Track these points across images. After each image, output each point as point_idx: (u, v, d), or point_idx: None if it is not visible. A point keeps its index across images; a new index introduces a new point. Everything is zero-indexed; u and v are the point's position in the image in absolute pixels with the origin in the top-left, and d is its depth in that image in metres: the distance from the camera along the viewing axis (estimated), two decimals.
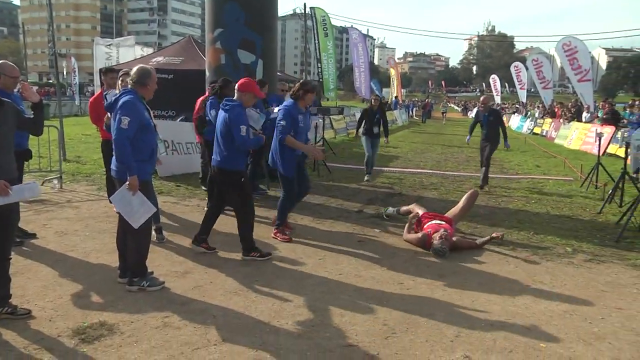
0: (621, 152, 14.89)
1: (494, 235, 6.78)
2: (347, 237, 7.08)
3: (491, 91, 61.37)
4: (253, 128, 6.19)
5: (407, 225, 7.10)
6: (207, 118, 8.04)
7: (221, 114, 5.95)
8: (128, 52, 24.56)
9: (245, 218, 6.05)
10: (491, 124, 10.92)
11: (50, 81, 76.06)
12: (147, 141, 5.03)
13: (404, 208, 8.00)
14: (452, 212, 7.42)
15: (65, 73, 52.44)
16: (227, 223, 7.63)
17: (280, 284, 5.30)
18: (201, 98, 8.83)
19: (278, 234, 6.94)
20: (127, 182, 4.87)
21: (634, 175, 11.16)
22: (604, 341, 4.25)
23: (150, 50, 26.39)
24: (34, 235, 6.63)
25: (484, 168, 11.03)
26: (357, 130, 12.40)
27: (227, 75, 10.27)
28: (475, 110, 61.35)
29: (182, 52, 16.66)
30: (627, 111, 21.18)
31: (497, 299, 5.07)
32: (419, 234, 6.78)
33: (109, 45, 25.13)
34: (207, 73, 10.94)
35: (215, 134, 6.12)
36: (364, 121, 11.98)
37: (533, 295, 5.19)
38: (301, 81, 7.73)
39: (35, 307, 4.53)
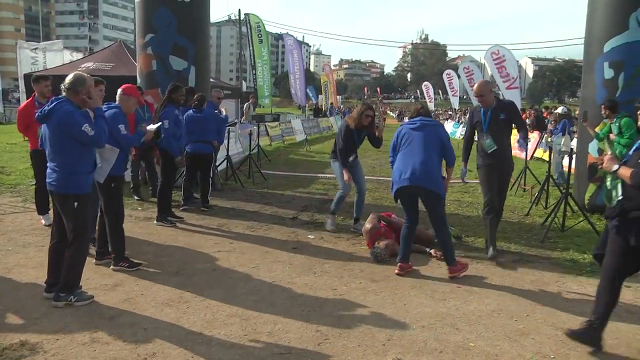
0: (546, 156, 15.56)
1: (431, 252, 6.83)
2: (281, 244, 7.09)
3: (424, 98, 62.82)
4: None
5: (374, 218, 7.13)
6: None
7: None
8: (56, 56, 23.62)
9: (114, 226, 5.89)
10: (500, 126, 6.53)
11: None
12: (92, 153, 4.94)
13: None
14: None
15: None
16: (160, 233, 7.51)
17: (212, 293, 5.24)
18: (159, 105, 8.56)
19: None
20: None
21: (557, 179, 11.74)
22: (527, 337, 4.43)
23: (80, 55, 25.52)
24: None
25: (488, 218, 6.62)
26: (343, 158, 7.64)
27: (158, 82, 10.15)
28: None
29: (112, 58, 16.25)
30: (549, 117, 22.19)
31: (428, 301, 5.19)
32: (373, 222, 6.98)
33: (35, 49, 24.02)
34: (139, 79, 10.74)
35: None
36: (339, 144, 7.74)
37: (463, 296, 5.35)
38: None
39: None
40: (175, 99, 8.01)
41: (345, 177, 7.53)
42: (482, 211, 6.85)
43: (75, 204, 4.76)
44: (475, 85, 6.64)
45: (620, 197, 3.99)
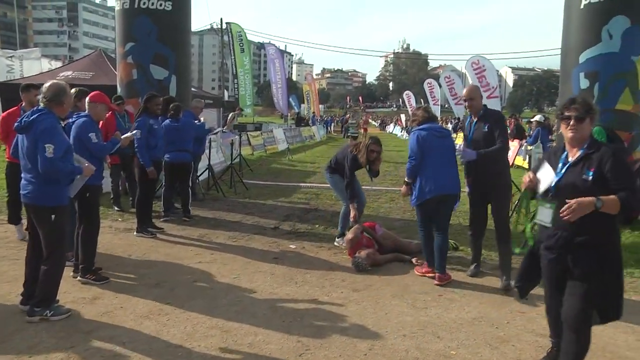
0: (526, 164, 15.73)
1: (413, 261, 6.84)
2: (262, 254, 7.06)
3: (406, 107, 63.17)
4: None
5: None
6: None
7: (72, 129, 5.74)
8: (33, 65, 23.33)
9: (87, 236, 5.81)
10: (485, 138, 5.88)
11: None
12: (70, 164, 4.84)
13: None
14: (387, 234, 7.50)
15: None
16: (140, 245, 7.44)
17: (193, 304, 5.20)
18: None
19: None
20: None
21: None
22: (508, 344, 4.46)
23: (58, 64, 25.27)
24: None
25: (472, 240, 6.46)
26: (351, 192, 7.33)
27: (139, 91, 10.09)
28: (393, 125, 62.77)
29: (92, 67, 16.17)
30: (528, 126, 22.46)
31: (409, 310, 5.20)
32: (355, 232, 6.97)
33: (11, 57, 23.61)
34: (119, 88, 10.68)
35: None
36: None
37: (444, 304, 5.36)
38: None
39: None
40: (150, 108, 7.98)
41: (352, 214, 7.18)
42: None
43: (52, 216, 4.69)
44: (466, 89, 6.17)
45: (549, 225, 3.56)
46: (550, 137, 13.83)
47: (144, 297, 5.38)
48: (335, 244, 7.67)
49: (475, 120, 5.99)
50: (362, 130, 30.56)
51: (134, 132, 6.92)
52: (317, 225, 8.71)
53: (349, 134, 25.85)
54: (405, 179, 6.22)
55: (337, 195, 7.88)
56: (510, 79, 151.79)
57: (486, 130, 5.84)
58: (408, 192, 6.23)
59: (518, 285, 4.04)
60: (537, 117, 14.20)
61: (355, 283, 6.00)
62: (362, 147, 7.35)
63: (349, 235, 7.02)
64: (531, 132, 17.48)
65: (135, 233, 7.91)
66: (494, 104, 25.92)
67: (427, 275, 6.20)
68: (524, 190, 3.73)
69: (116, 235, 7.89)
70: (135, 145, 7.49)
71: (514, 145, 19.07)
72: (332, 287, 5.83)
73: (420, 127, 6.14)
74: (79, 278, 5.78)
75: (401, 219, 9.64)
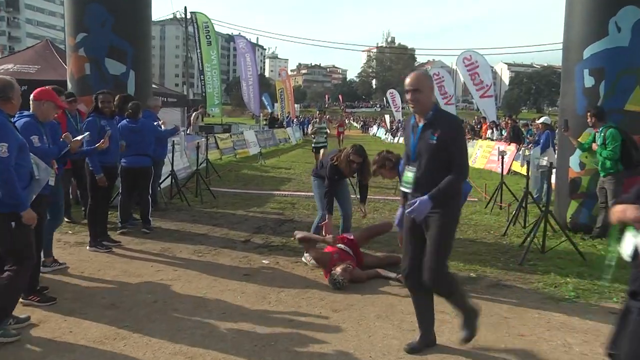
0: (524, 171, 15.89)
1: (399, 277, 6.84)
2: (232, 271, 7.02)
3: (390, 107, 63.47)
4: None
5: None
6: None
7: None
8: None
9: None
10: (431, 153, 4.57)
11: None
12: (24, 165, 4.78)
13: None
14: (357, 234, 7.64)
15: None
16: (94, 260, 7.36)
17: (153, 328, 5.14)
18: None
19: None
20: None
21: (536, 195, 11.96)
22: None
23: None
24: None
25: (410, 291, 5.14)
26: (329, 202, 7.46)
27: (93, 88, 9.98)
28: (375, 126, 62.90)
29: (38, 59, 15.93)
30: (531, 128, 22.65)
31: (395, 332, 5.20)
32: (322, 252, 6.95)
33: None
34: (70, 85, 10.56)
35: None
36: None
37: (435, 326, 5.36)
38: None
39: None
40: (101, 107, 7.90)
41: (326, 229, 7.28)
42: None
43: (13, 223, 4.63)
44: (410, 76, 4.61)
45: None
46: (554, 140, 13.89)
47: (97, 319, 5.30)
48: (303, 259, 7.56)
49: (421, 124, 4.55)
50: (337, 135, 29.70)
51: (85, 134, 6.82)
52: (292, 238, 8.68)
53: (314, 145, 18.62)
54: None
55: (317, 202, 7.92)
56: (506, 76, 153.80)
57: (434, 142, 4.39)
58: None
59: (611, 353, 3.08)
60: (544, 119, 14.07)
61: (335, 302, 5.98)
62: (343, 157, 7.37)
63: (312, 254, 6.99)
64: (534, 136, 17.50)
65: (87, 247, 7.82)
66: (488, 104, 26.29)
67: None
68: (618, 223, 3.08)
69: (66, 249, 7.79)
70: (84, 148, 7.38)
71: (510, 149, 19.28)
72: (309, 307, 5.81)
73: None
74: (20, 300, 5.66)
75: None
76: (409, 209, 4.41)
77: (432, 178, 4.41)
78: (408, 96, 4.53)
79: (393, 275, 6.90)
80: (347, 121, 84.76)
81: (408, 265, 4.70)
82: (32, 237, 4.93)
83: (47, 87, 5.97)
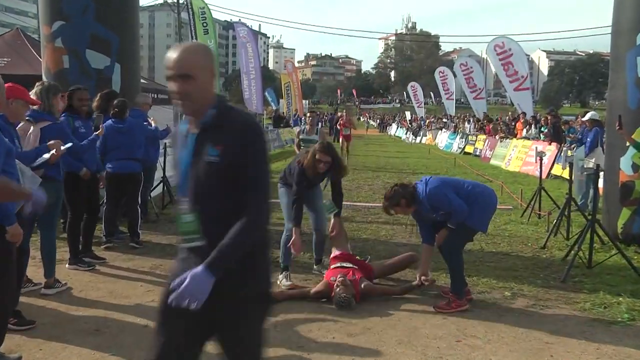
0: (567, 174, 15.80)
1: (422, 280, 6.79)
2: None
3: (412, 102, 63.43)
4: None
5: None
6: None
7: None
8: None
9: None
10: (210, 183, 3.08)
11: None
12: (12, 172, 4.78)
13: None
14: (378, 263, 7.66)
15: None
16: (74, 280, 7.37)
17: (143, 357, 5.12)
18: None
19: None
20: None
21: (580, 202, 11.86)
22: None
23: None
24: None
25: None
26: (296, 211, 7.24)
27: (72, 83, 9.96)
28: (395, 125, 62.90)
29: (8, 50, 15.99)
30: (573, 125, 22.45)
31: None
32: (321, 285, 6.86)
33: None
34: (45, 79, 10.58)
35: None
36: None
37: (464, 353, 5.33)
38: None
39: None
40: (73, 105, 7.87)
41: (294, 248, 7.12)
42: None
43: None
44: (171, 52, 3.01)
45: None
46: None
47: (80, 345, 5.32)
48: (278, 282, 7.33)
49: (194, 132, 3.04)
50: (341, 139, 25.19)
51: (67, 145, 6.72)
52: (302, 253, 8.66)
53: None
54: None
55: (284, 212, 7.78)
56: (544, 66, 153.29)
57: (215, 160, 2.92)
58: None
59: None
60: (590, 114, 13.81)
61: (350, 326, 5.96)
62: (309, 156, 7.20)
63: (319, 288, 6.90)
64: (577, 133, 17.28)
65: (67, 265, 7.82)
66: (524, 98, 26.22)
67: (460, 309, 6.39)
68: None
69: (41, 267, 7.76)
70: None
71: (550, 149, 19.17)
72: (321, 332, 5.79)
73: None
74: None
75: (407, 243, 9.62)
76: (172, 296, 2.78)
77: (218, 222, 2.91)
78: (172, 87, 2.98)
79: (414, 283, 6.88)
80: (361, 119, 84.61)
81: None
82: (12, 261, 4.88)
83: (15, 84, 5.94)
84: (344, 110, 22.68)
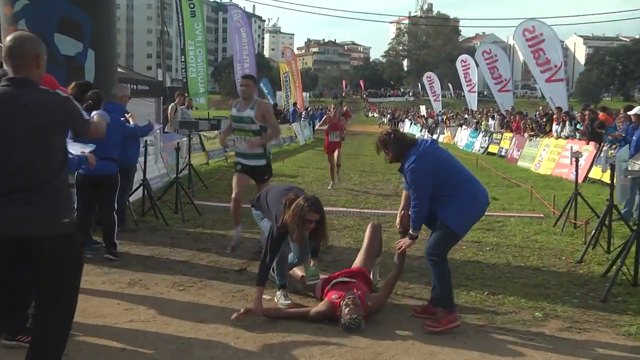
0: (607, 178, 15.76)
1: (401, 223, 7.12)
2: (223, 309, 7.00)
3: (427, 95, 63.42)
4: None
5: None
6: None
7: None
8: None
9: None
10: None
11: None
12: None
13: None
14: (359, 261, 7.71)
15: None
16: None
17: None
18: None
19: None
20: None
21: (624, 210, 11.81)
22: None
23: None
24: None
25: None
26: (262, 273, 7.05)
27: None
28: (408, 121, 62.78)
29: None
30: (618, 122, 22.26)
31: None
32: (322, 305, 6.86)
33: None
34: (5, 67, 10.57)
35: None
36: None
37: None
38: None
39: None
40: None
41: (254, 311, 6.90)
42: None
43: None
44: None
45: None
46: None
47: None
48: (276, 299, 7.40)
49: None
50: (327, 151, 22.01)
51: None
52: (286, 288, 8.65)
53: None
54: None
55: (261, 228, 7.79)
56: (581, 54, 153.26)
57: None
58: None
59: None
60: (637, 109, 13.74)
61: (357, 350, 5.94)
62: (294, 214, 6.77)
63: (322, 308, 6.89)
64: (620, 131, 17.09)
65: None
66: (557, 89, 26.17)
67: (451, 326, 6.43)
68: None
69: None
70: None
71: (587, 149, 19.13)
72: (324, 357, 5.78)
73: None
74: (6, 341, 5.67)
75: (421, 256, 9.58)
76: None
77: None
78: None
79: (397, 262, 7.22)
80: (369, 114, 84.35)
81: None
82: None
83: None
84: (333, 107, 20.76)
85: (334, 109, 19.78)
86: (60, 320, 4.44)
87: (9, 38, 4.57)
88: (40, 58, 4.59)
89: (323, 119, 20.55)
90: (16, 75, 4.45)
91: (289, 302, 7.25)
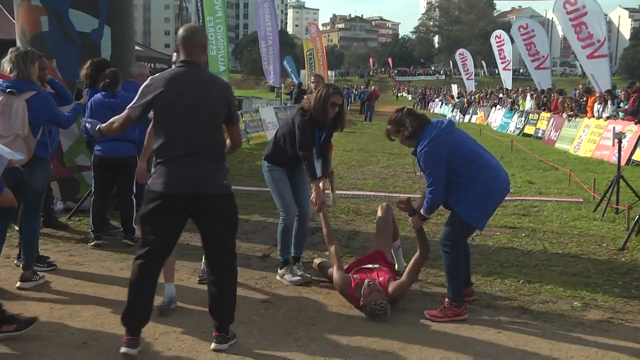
0: None
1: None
2: (245, 297, 7.01)
3: (460, 73, 62.95)
4: None
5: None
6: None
7: None
8: None
9: None
10: None
11: None
12: None
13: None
14: (374, 245, 7.82)
15: None
16: (65, 282, 7.41)
17: None
18: None
19: None
20: None
21: None
22: None
23: None
24: None
25: None
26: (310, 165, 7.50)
27: (52, 50, 10.02)
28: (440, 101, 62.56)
29: None
30: None
31: None
32: (340, 277, 6.95)
33: None
34: (20, 45, 10.64)
35: None
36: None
37: None
38: None
39: None
40: (38, 75, 7.69)
41: (313, 195, 7.54)
42: None
43: None
44: None
45: None
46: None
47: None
48: (278, 277, 7.66)
49: None
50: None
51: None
52: (326, 252, 8.67)
53: None
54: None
55: (275, 200, 7.80)
56: (626, 27, 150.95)
57: None
58: None
59: None
60: None
61: (386, 338, 5.95)
62: (319, 98, 7.32)
63: (337, 280, 6.98)
64: None
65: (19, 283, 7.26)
66: (600, 66, 25.80)
67: (456, 319, 6.43)
68: None
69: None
70: None
71: (631, 130, 18.91)
72: (351, 347, 5.79)
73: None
74: None
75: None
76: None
77: None
78: None
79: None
80: (399, 95, 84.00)
81: None
82: None
83: None
84: (313, 77, 18.59)
85: (314, 81, 19.21)
86: (228, 261, 5.83)
87: (183, 28, 5.77)
88: (205, 46, 5.70)
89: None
90: (188, 58, 5.51)
91: (299, 277, 7.51)
